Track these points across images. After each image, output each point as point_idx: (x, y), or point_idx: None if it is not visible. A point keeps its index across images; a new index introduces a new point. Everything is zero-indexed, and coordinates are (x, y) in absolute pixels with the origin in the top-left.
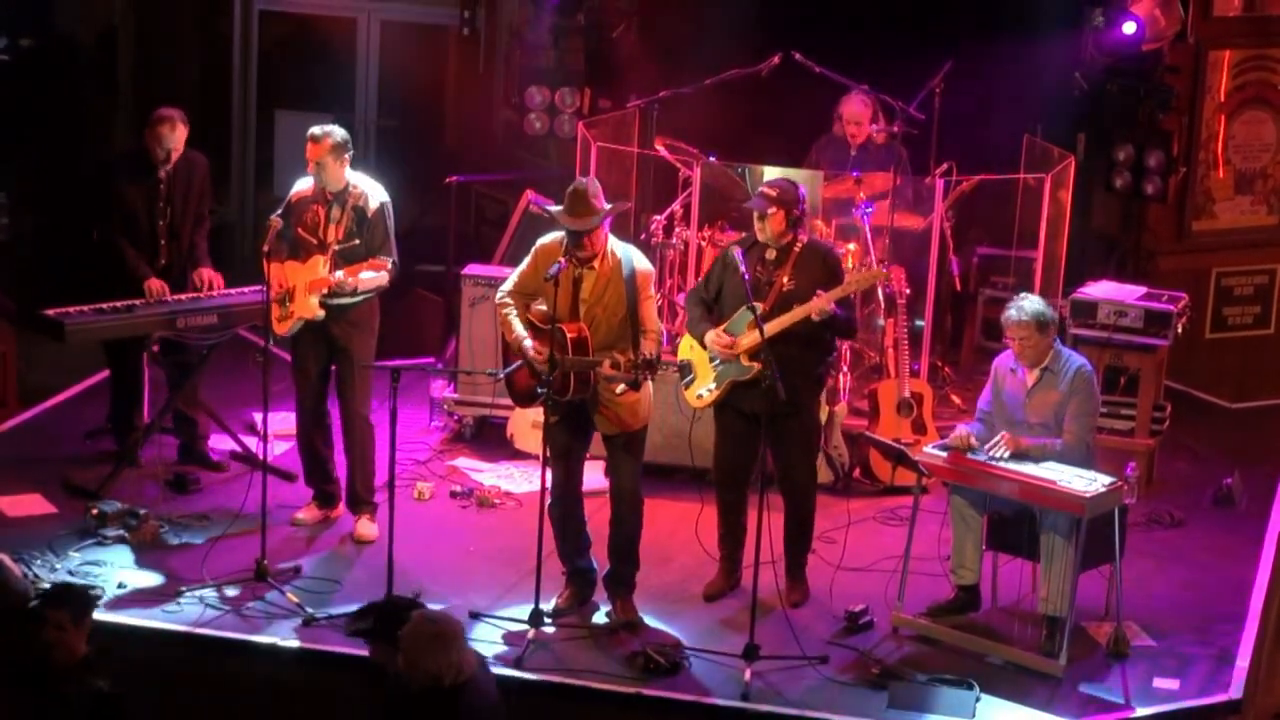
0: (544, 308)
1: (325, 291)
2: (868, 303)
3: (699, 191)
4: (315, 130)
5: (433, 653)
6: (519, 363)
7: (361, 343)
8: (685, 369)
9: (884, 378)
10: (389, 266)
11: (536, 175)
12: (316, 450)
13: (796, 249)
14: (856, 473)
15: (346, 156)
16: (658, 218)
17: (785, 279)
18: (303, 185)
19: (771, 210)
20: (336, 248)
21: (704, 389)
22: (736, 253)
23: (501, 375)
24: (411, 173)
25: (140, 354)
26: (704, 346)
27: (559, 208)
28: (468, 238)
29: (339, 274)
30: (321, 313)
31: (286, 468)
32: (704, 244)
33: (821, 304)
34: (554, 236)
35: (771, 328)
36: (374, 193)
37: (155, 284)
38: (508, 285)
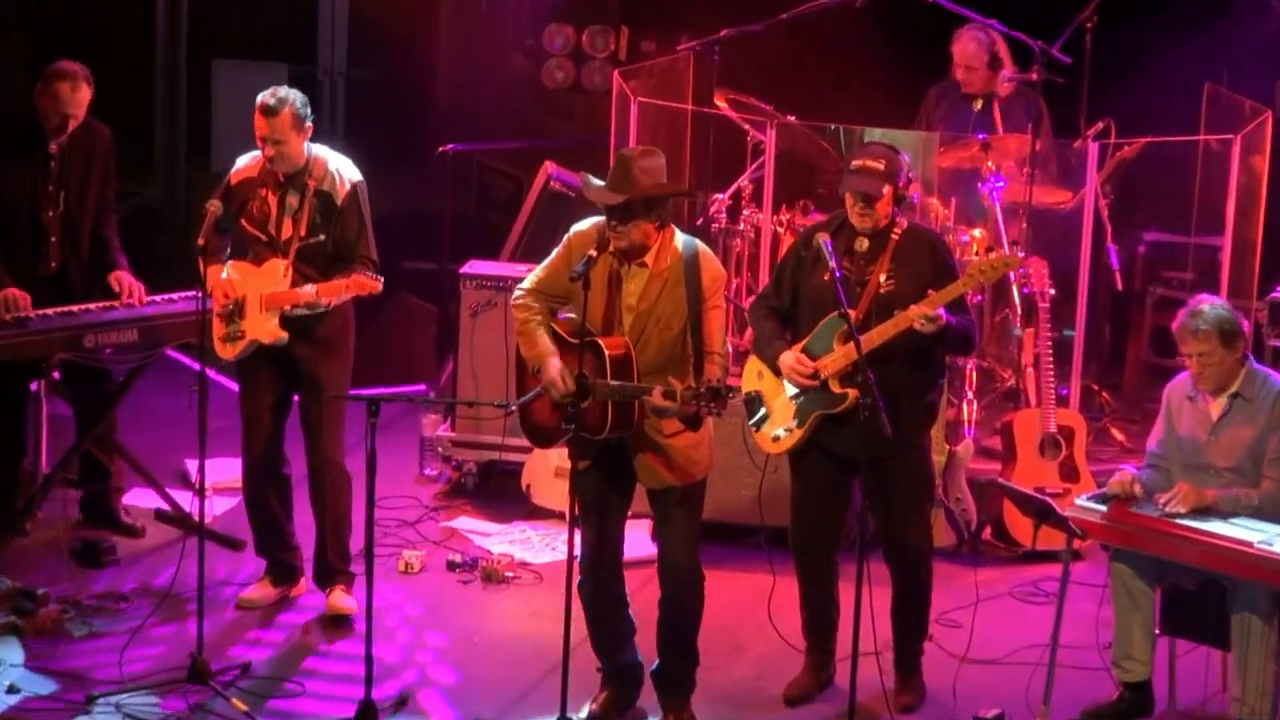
0: (573, 315)
1: (288, 309)
2: (1000, 307)
3: (774, 162)
4: (268, 99)
5: None
6: (538, 390)
7: (333, 367)
8: (754, 403)
9: (1022, 406)
10: (374, 275)
11: (558, 142)
12: (270, 509)
13: (895, 236)
14: (987, 533)
15: (308, 126)
16: (719, 196)
17: (882, 277)
18: (245, 162)
19: (885, 190)
20: (298, 246)
21: (781, 429)
22: (824, 242)
23: (515, 407)
24: (393, 140)
25: (25, 384)
26: (778, 373)
27: (600, 183)
28: (468, 225)
29: (309, 288)
30: (284, 335)
31: (231, 532)
32: (781, 230)
33: (925, 310)
34: (594, 222)
35: (867, 341)
36: (343, 171)
37: (11, 294)
38: (528, 282)
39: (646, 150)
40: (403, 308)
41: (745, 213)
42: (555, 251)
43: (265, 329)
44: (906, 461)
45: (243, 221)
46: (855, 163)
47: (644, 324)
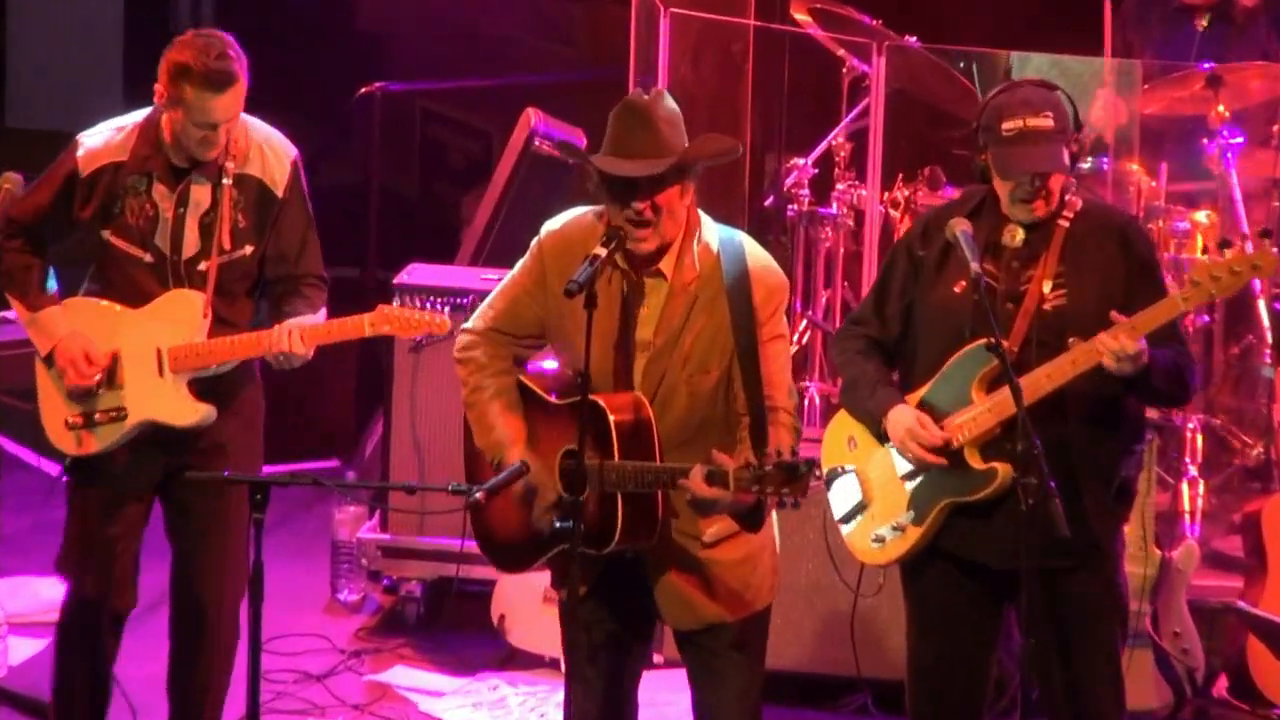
0: (553, 364)
1: (215, 367)
2: (1239, 333)
3: (883, 106)
4: (211, 61)
5: None
6: (516, 466)
7: (246, 441)
8: (843, 486)
9: (1275, 489)
10: (436, 312)
11: (548, 78)
12: (100, 670)
13: (1064, 223)
14: (1220, 687)
15: None
16: (801, 161)
17: (1047, 285)
18: (103, 140)
19: (1065, 156)
20: (219, 266)
21: (887, 527)
22: (961, 232)
23: (478, 494)
24: (290, 77)
25: None
26: (882, 440)
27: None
28: (408, 208)
29: (286, 331)
30: (212, 411)
31: (35, 691)
32: (896, 215)
33: (1120, 342)
34: (577, 217)
35: (1031, 387)
36: (274, 145)
37: None
38: (478, 319)
39: (657, 93)
40: None
41: (840, 187)
42: (519, 266)
43: (173, 403)
44: (1090, 576)
45: (108, 234)
46: (1008, 124)
47: (663, 367)
